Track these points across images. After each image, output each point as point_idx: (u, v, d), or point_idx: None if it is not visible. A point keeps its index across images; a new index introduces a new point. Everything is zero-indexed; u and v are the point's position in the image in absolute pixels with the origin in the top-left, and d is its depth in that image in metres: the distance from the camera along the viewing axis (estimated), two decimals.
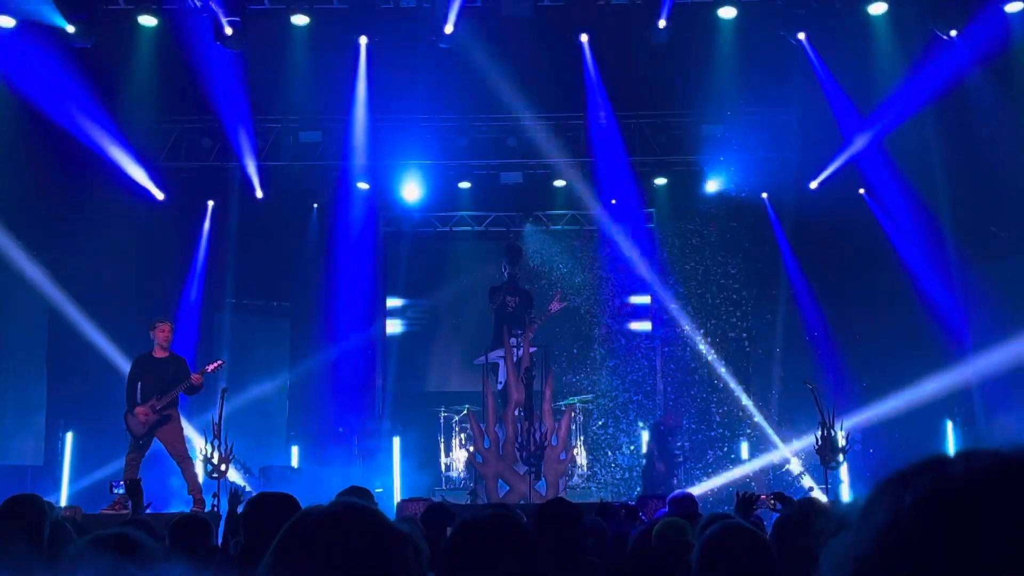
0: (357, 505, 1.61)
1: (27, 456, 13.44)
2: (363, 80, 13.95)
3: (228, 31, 12.31)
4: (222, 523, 7.96)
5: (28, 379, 13.82)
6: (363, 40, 13.59)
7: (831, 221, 14.36)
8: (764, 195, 15.50)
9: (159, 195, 14.42)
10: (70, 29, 12.23)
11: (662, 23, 12.72)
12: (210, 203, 15.30)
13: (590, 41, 13.67)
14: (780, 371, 15.32)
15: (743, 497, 5.94)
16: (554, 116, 14.90)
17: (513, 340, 12.38)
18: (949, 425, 13.63)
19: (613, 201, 15.84)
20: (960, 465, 0.86)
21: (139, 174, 14.07)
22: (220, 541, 6.60)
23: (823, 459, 10.35)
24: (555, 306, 12.68)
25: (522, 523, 1.61)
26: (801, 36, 13.17)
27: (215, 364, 11.10)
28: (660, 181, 15.87)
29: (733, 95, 14.04)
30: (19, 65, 12.38)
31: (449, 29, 12.66)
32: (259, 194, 15.06)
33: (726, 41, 13.27)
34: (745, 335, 15.57)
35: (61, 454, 13.27)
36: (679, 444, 14.06)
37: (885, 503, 0.86)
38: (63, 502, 11.99)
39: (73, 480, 13.08)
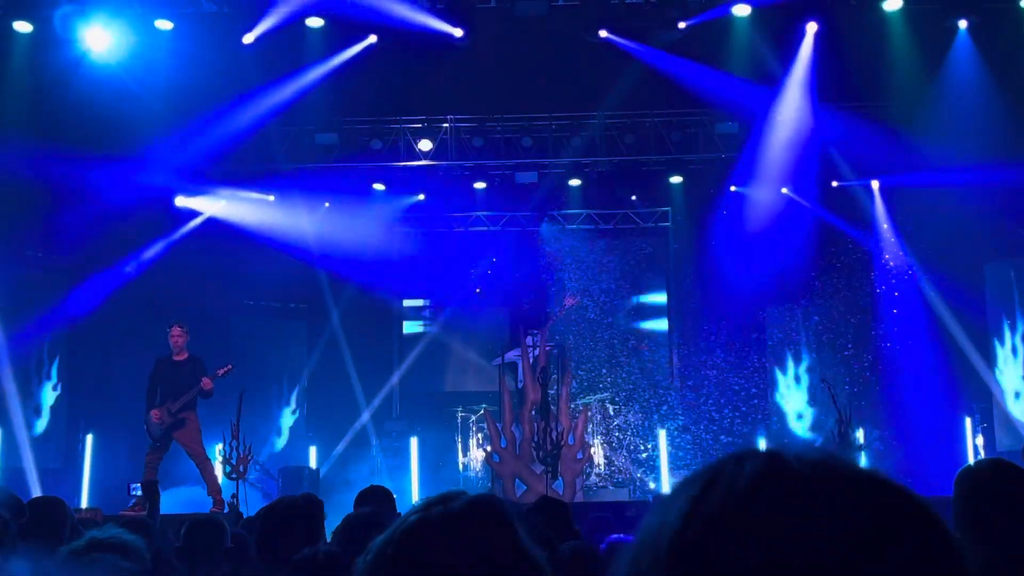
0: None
1: (48, 458, 13.53)
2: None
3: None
4: (240, 523, 8.01)
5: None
6: (372, 38, 13.60)
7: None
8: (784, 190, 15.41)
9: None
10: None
11: (682, 24, 12.79)
12: (223, 202, 15.33)
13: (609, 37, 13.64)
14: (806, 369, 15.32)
15: None
16: (569, 115, 14.92)
17: (529, 339, 12.39)
18: (968, 422, 13.56)
19: (633, 197, 15.85)
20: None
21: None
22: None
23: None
24: (568, 302, 12.66)
25: (503, 514, 1.40)
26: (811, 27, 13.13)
27: (225, 369, 11.14)
28: (676, 179, 15.85)
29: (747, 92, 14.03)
30: None
31: (459, 32, 12.76)
32: (270, 197, 15.26)
33: (741, 38, 13.29)
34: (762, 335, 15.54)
35: (81, 456, 13.34)
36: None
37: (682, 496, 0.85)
38: (83, 504, 12.07)
39: (93, 482, 13.15)
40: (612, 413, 14.99)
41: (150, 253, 14.53)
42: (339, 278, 15.66)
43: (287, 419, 15.91)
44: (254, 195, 15.26)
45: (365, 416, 15.61)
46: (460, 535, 1.36)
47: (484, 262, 16.20)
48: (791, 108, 13.91)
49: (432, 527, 1.37)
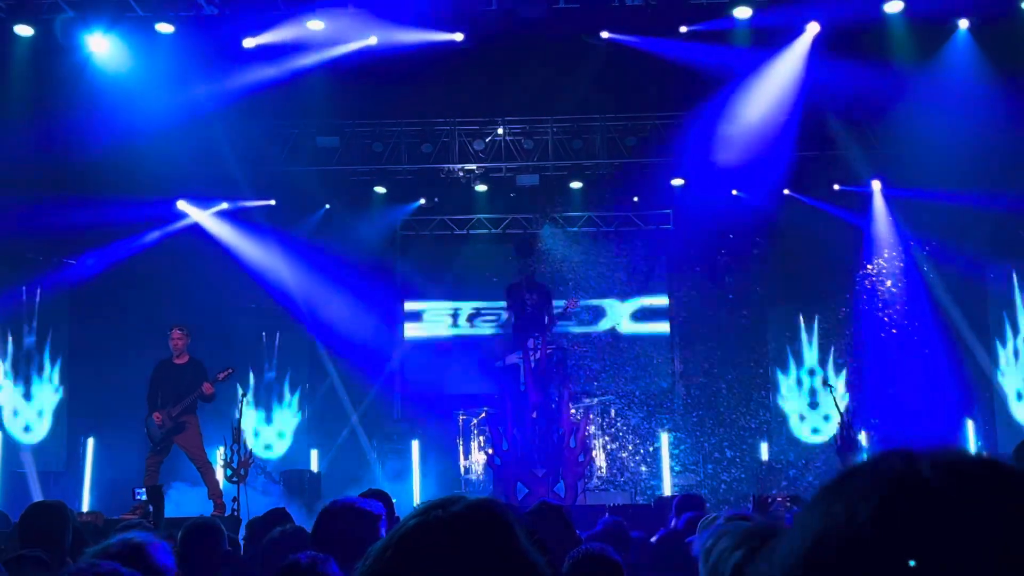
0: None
1: (50, 462, 13.54)
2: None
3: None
4: (243, 527, 8.02)
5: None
6: (373, 39, 13.60)
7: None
8: (785, 191, 15.37)
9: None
10: None
11: (683, 28, 12.79)
12: (224, 204, 15.35)
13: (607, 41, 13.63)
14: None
15: (759, 499, 5.99)
16: (570, 118, 14.94)
17: (530, 342, 12.38)
18: (970, 424, 13.56)
19: (636, 199, 15.85)
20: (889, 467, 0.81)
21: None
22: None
23: (843, 459, 10.32)
24: (570, 305, 12.63)
25: (503, 517, 1.37)
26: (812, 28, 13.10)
27: (225, 372, 11.14)
28: (677, 181, 15.84)
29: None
30: None
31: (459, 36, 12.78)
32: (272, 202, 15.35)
33: (741, 39, 13.25)
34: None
35: (83, 459, 13.36)
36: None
37: (817, 511, 0.81)
38: (84, 507, 12.07)
39: (94, 486, 13.16)
40: (614, 416, 14.98)
41: (150, 238, 14.54)
42: (340, 281, 15.65)
43: (289, 422, 15.91)
44: (253, 203, 15.28)
45: (367, 419, 15.62)
46: (459, 539, 1.34)
47: (485, 264, 16.16)
48: (783, 109, 13.85)
49: (431, 531, 1.35)
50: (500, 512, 1.40)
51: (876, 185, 14.91)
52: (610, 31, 13.21)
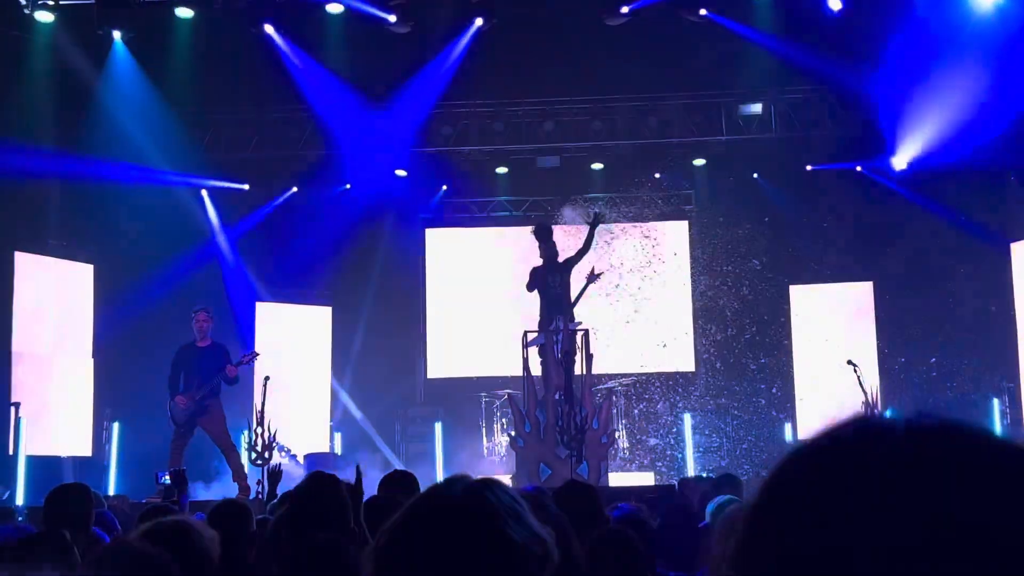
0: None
1: (75, 446, 13.63)
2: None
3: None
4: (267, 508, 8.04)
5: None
6: (392, 19, 13.57)
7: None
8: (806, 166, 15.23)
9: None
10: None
11: (703, 11, 12.73)
12: (246, 185, 15.44)
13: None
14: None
15: None
16: (591, 99, 14.88)
17: (553, 323, 12.34)
18: (996, 404, 13.46)
19: (657, 175, 15.78)
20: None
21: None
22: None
23: None
24: (592, 276, 12.46)
25: (492, 506, 1.37)
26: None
27: (249, 355, 11.19)
28: (699, 162, 15.77)
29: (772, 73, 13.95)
30: None
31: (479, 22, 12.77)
32: (294, 189, 15.40)
33: (763, 18, 13.18)
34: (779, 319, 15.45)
35: (108, 444, 13.45)
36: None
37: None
38: (110, 491, 12.16)
39: (120, 470, 13.26)
40: (636, 397, 14.96)
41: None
42: (363, 265, 15.68)
43: (310, 406, 15.94)
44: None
45: (389, 402, 15.64)
46: (448, 530, 1.37)
47: (506, 246, 16.13)
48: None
49: (419, 520, 1.39)
50: (489, 500, 1.41)
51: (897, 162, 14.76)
52: (630, 7, 13.12)
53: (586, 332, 12.80)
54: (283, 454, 13.09)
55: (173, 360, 11.23)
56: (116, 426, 13.51)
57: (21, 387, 12.60)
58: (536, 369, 12.25)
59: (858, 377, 10.97)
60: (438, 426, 14.46)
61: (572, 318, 12.25)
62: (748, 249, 15.31)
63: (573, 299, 12.13)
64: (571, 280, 12.09)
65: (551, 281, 12.18)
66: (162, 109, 13.52)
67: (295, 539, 3.48)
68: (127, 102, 13.21)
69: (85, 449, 13.70)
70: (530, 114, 15.05)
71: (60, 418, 13.41)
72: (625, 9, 13.06)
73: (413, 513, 1.41)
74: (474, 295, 16.49)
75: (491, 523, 1.38)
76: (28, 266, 13.30)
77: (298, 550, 3.13)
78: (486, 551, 1.36)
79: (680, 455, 14.46)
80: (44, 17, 12.49)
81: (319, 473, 3.88)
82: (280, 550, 3.56)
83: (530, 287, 12.27)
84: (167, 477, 10.05)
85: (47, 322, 13.50)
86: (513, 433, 12.53)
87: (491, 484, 1.44)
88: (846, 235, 15.19)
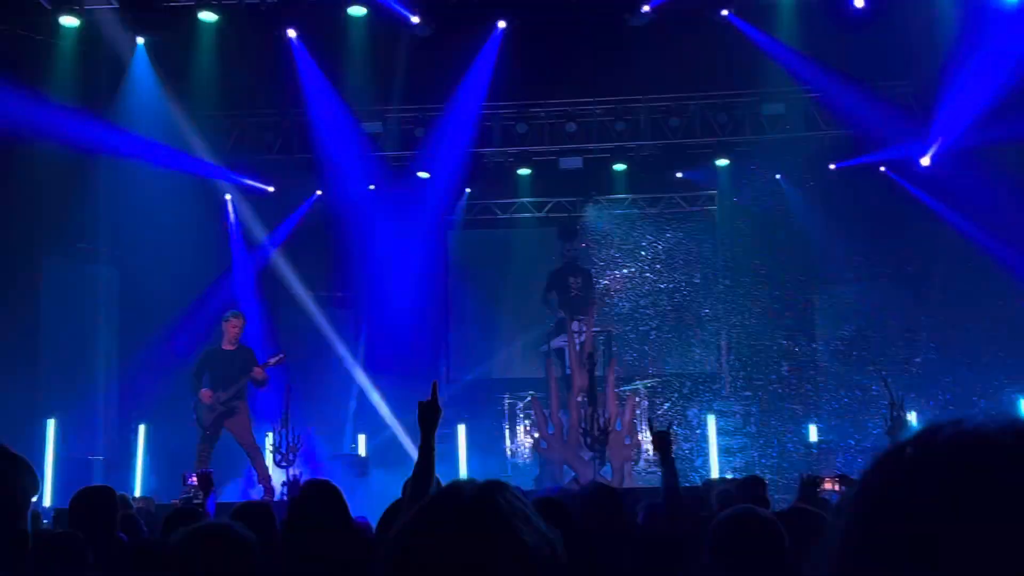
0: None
1: (103, 448, 13.73)
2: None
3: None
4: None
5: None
6: (415, 19, 13.60)
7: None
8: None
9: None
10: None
11: (725, 12, 12.70)
12: (270, 188, 15.52)
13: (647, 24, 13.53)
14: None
15: (807, 479, 5.91)
16: (614, 100, 14.86)
17: (575, 325, 12.34)
18: (1022, 402, 13.33)
19: (679, 175, 15.75)
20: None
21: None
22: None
23: (892, 441, 10.18)
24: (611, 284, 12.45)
25: (500, 514, 1.37)
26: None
27: (276, 358, 11.25)
28: (722, 162, 15.72)
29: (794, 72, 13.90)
30: None
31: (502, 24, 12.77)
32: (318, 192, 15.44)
33: (786, 19, 13.13)
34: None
35: (134, 446, 13.53)
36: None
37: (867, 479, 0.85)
38: (137, 493, 12.23)
39: (146, 472, 13.33)
40: (659, 398, 14.91)
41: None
42: (386, 267, 15.71)
43: (335, 409, 15.98)
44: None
45: (413, 403, 15.62)
46: (458, 532, 1.38)
47: (529, 248, 16.14)
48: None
49: (430, 523, 1.40)
50: (498, 507, 1.41)
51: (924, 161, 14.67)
52: (650, 5, 13.09)
53: (609, 333, 12.81)
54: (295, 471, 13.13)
55: (198, 361, 11.31)
56: (142, 428, 13.59)
57: (49, 389, 12.72)
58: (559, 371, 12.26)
59: (883, 378, 10.88)
60: (461, 428, 14.45)
61: (592, 320, 12.26)
62: (772, 249, 15.24)
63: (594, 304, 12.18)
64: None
65: (571, 283, 12.20)
66: (184, 112, 13.60)
67: (294, 544, 3.51)
68: (149, 106, 13.30)
69: (113, 451, 13.79)
70: (552, 115, 15.05)
71: (88, 420, 13.51)
72: (647, 8, 13.02)
73: (424, 516, 1.42)
74: (497, 297, 16.50)
75: (502, 525, 1.39)
76: (55, 271, 13.42)
77: (296, 553, 3.15)
78: (497, 553, 1.37)
79: (704, 455, 14.40)
80: (69, 21, 12.60)
81: (315, 480, 3.91)
82: (284, 554, 3.59)
83: (547, 289, 12.29)
84: (194, 479, 10.15)
85: (74, 324, 13.61)
86: (536, 435, 12.53)
87: (500, 486, 1.46)
88: (871, 235, 15.09)
